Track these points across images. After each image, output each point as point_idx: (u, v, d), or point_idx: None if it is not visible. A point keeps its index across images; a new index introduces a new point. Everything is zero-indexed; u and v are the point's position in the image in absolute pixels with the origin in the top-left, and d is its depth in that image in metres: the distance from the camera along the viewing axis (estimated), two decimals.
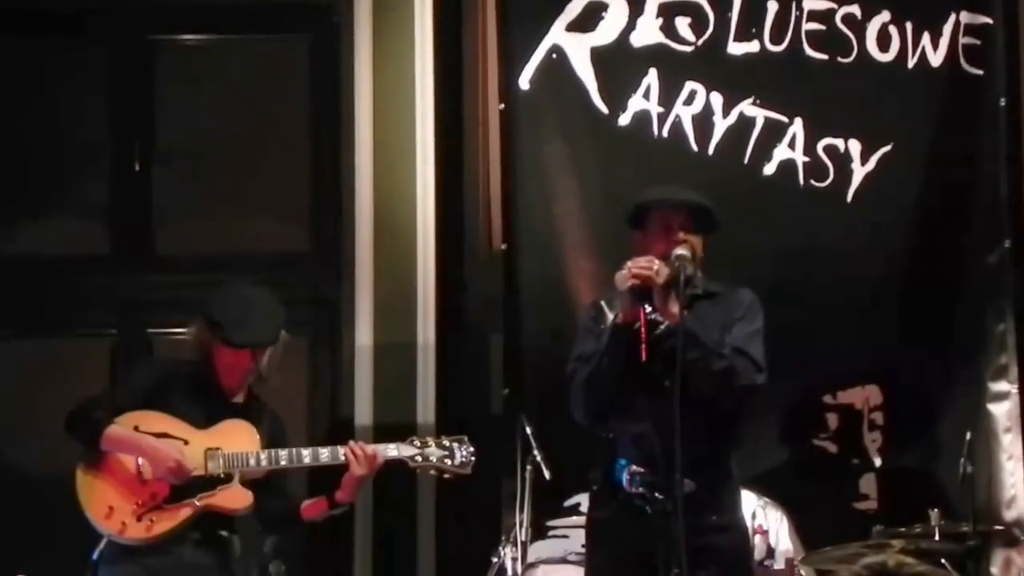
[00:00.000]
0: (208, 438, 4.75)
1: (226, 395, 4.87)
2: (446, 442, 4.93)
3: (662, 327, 4.34)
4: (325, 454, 4.81)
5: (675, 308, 4.31)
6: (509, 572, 5.45)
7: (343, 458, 4.81)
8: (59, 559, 5.21)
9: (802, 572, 5.39)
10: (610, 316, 4.40)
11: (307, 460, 4.81)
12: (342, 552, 6.41)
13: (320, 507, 4.90)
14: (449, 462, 4.90)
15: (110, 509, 4.67)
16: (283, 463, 4.79)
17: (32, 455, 6.45)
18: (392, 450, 4.87)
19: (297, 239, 6.82)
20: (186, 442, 4.72)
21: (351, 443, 4.85)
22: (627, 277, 4.33)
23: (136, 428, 4.71)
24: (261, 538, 5.19)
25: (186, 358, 4.95)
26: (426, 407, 6.41)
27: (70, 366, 6.55)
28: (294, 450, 4.82)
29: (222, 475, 4.73)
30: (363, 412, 6.46)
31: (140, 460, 4.69)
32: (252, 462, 4.75)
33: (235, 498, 4.75)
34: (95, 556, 4.70)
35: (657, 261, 4.35)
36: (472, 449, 4.95)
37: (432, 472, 4.96)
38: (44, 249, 6.75)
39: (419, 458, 4.88)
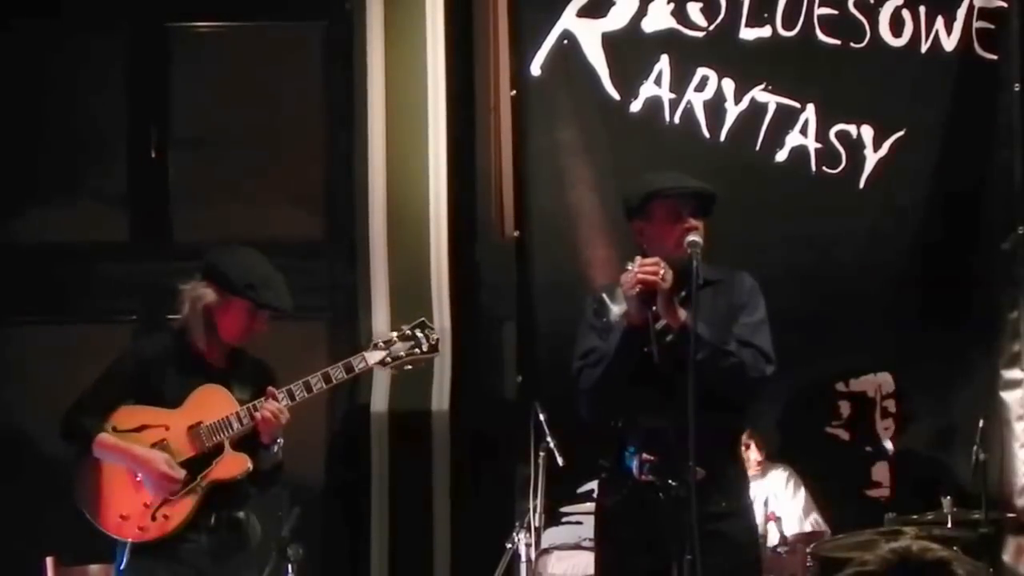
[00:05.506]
0: (185, 415, 4.66)
1: (208, 363, 4.74)
2: (408, 331, 4.80)
3: (662, 323, 4.30)
4: (300, 390, 4.66)
5: (680, 312, 4.30)
6: (523, 558, 5.48)
7: (326, 384, 4.68)
8: (88, 542, 5.22)
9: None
10: (613, 309, 4.35)
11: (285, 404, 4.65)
12: (359, 537, 6.43)
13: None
14: (418, 351, 4.79)
15: (122, 518, 4.65)
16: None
17: (54, 440, 6.46)
18: (360, 362, 4.73)
19: (312, 226, 6.83)
20: (166, 427, 4.65)
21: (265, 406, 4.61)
22: (633, 282, 4.26)
23: (114, 428, 4.66)
24: (280, 522, 5.17)
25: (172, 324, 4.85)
26: (441, 394, 6.41)
27: (91, 352, 6.56)
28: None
29: (211, 448, 4.64)
30: (379, 398, 6.46)
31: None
32: (236, 425, 4.64)
33: (233, 465, 4.65)
34: (122, 565, 4.67)
35: (663, 264, 4.29)
36: (434, 327, 4.85)
37: (408, 367, 4.82)
38: (62, 236, 6.78)
39: (389, 359, 4.76)
